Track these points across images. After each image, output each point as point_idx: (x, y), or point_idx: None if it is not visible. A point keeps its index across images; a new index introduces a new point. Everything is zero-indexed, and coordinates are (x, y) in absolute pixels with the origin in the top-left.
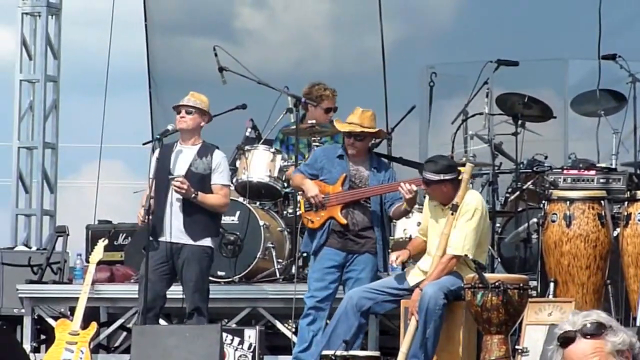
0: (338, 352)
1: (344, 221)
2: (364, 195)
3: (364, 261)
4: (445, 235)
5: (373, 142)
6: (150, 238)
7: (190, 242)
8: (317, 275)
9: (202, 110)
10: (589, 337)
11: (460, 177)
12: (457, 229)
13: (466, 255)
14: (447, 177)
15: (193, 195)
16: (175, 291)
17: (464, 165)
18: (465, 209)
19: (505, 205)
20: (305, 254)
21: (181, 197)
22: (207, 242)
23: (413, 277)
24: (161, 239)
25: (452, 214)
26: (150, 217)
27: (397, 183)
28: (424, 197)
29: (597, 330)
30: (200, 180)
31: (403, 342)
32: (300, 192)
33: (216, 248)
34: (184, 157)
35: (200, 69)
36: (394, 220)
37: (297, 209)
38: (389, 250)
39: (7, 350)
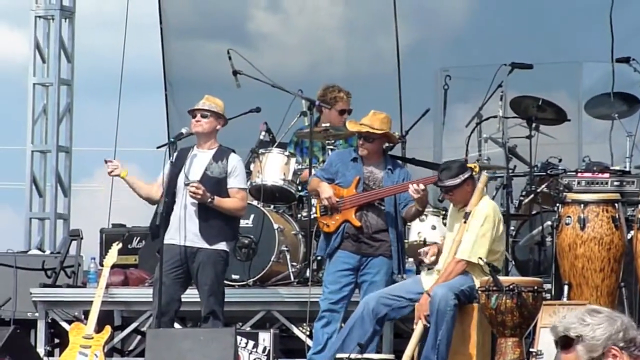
0: (352, 355)
1: (358, 223)
2: (378, 196)
3: (379, 264)
4: (457, 242)
5: (387, 145)
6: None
7: (206, 245)
8: (331, 278)
9: (217, 114)
10: (563, 351)
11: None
12: (467, 235)
13: (480, 258)
14: (466, 175)
15: (209, 200)
16: (190, 295)
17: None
18: (476, 215)
19: (520, 208)
20: (320, 258)
21: (196, 201)
22: (222, 245)
23: (428, 281)
24: (175, 242)
25: (465, 221)
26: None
27: (406, 184)
28: (439, 200)
29: (565, 344)
30: (216, 184)
31: (408, 346)
32: (316, 197)
33: (231, 251)
34: (199, 161)
35: (214, 73)
36: (408, 223)
37: (312, 212)
38: (406, 255)
39: (21, 354)
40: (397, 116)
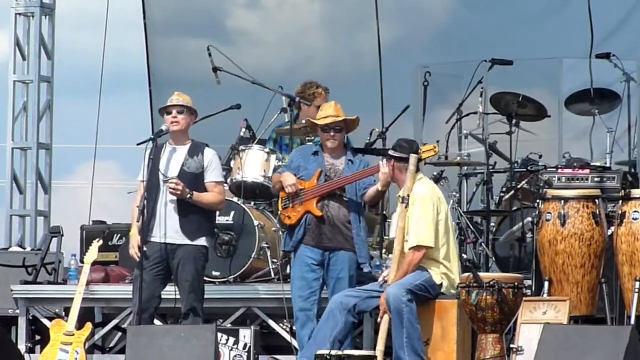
0: (333, 352)
1: (319, 213)
2: (339, 185)
3: (342, 260)
4: (400, 228)
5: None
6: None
7: (187, 242)
8: (297, 275)
9: (191, 109)
10: None
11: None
12: (411, 221)
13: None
14: (393, 154)
15: (189, 195)
16: (170, 291)
17: (459, 164)
18: (413, 200)
19: (500, 205)
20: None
21: (176, 198)
22: (202, 241)
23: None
24: (154, 239)
25: (406, 207)
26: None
27: (370, 168)
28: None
29: None
30: (194, 179)
31: (378, 341)
32: (280, 192)
33: (211, 248)
34: (175, 158)
35: (194, 69)
36: (368, 207)
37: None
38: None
39: (2, 351)
40: (379, 113)
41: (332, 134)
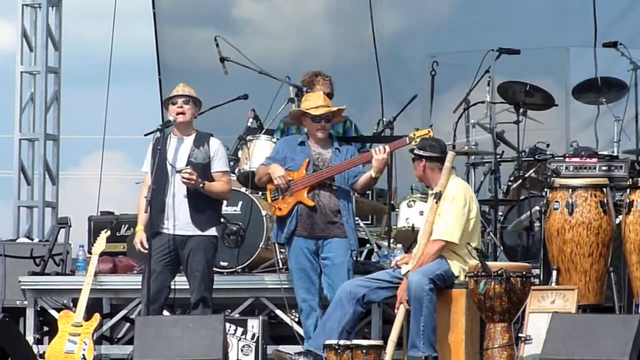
0: (341, 342)
1: (311, 203)
2: (328, 174)
3: (337, 246)
4: (429, 223)
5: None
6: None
7: (198, 232)
8: (294, 265)
9: (195, 99)
10: None
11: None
12: (441, 216)
13: (468, 244)
14: (425, 153)
15: (201, 185)
16: (178, 282)
17: (466, 153)
18: (447, 197)
19: (508, 194)
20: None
21: (185, 188)
22: (212, 231)
23: (405, 265)
24: (164, 230)
25: (436, 202)
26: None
27: (360, 155)
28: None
29: None
30: (202, 170)
31: (392, 331)
32: (267, 184)
33: (219, 238)
34: (182, 149)
35: (201, 60)
36: (358, 195)
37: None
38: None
39: (10, 342)
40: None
41: (323, 124)
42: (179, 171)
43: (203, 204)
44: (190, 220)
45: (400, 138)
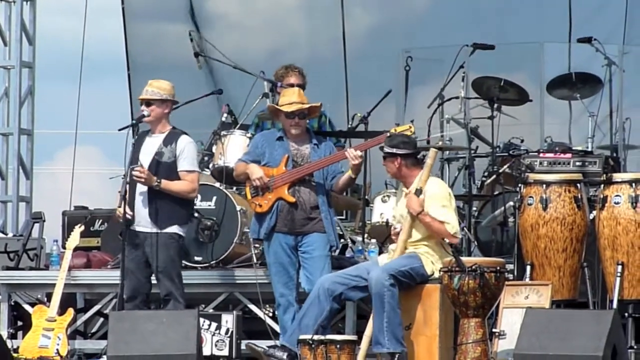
0: (315, 337)
1: (292, 199)
2: (308, 170)
3: (315, 240)
4: (408, 219)
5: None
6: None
7: (156, 230)
8: (273, 260)
9: (160, 100)
10: None
11: (419, 158)
12: (445, 214)
13: (443, 239)
14: (399, 151)
15: (155, 183)
16: (152, 277)
17: (440, 148)
18: (441, 194)
19: (482, 189)
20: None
21: (146, 187)
22: (174, 229)
23: (383, 260)
24: (133, 227)
25: (418, 196)
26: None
27: (340, 153)
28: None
29: None
30: (167, 168)
31: (367, 326)
32: (245, 181)
33: (190, 234)
34: (150, 147)
35: (174, 55)
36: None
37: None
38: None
39: None
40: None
41: (297, 120)
42: (132, 168)
43: (163, 202)
44: (149, 217)
45: (380, 134)
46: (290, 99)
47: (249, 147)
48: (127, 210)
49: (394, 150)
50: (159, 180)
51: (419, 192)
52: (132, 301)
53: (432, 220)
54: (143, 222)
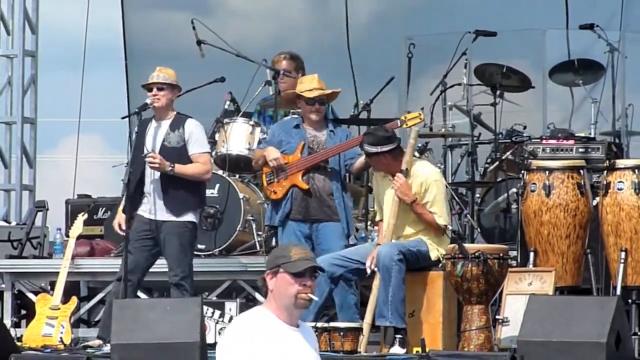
0: (319, 324)
1: (305, 186)
2: (323, 157)
3: (331, 230)
4: (396, 202)
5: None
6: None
7: (172, 218)
8: None
9: (172, 85)
10: None
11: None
12: (433, 202)
13: (446, 227)
14: (385, 148)
15: (169, 168)
16: (156, 265)
17: (443, 135)
18: (429, 182)
19: (485, 176)
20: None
21: (159, 173)
22: (188, 216)
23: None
24: (144, 214)
25: (405, 175)
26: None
27: (355, 139)
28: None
29: None
30: (177, 153)
31: (366, 313)
32: (262, 167)
33: (198, 221)
34: (158, 133)
35: (176, 43)
36: (353, 179)
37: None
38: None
39: None
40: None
41: (317, 106)
42: (145, 155)
43: (179, 189)
44: (164, 205)
45: (391, 121)
46: (310, 85)
47: (267, 135)
48: (122, 224)
49: (379, 149)
50: (172, 165)
51: (404, 172)
52: (125, 283)
53: (423, 209)
54: (158, 210)
